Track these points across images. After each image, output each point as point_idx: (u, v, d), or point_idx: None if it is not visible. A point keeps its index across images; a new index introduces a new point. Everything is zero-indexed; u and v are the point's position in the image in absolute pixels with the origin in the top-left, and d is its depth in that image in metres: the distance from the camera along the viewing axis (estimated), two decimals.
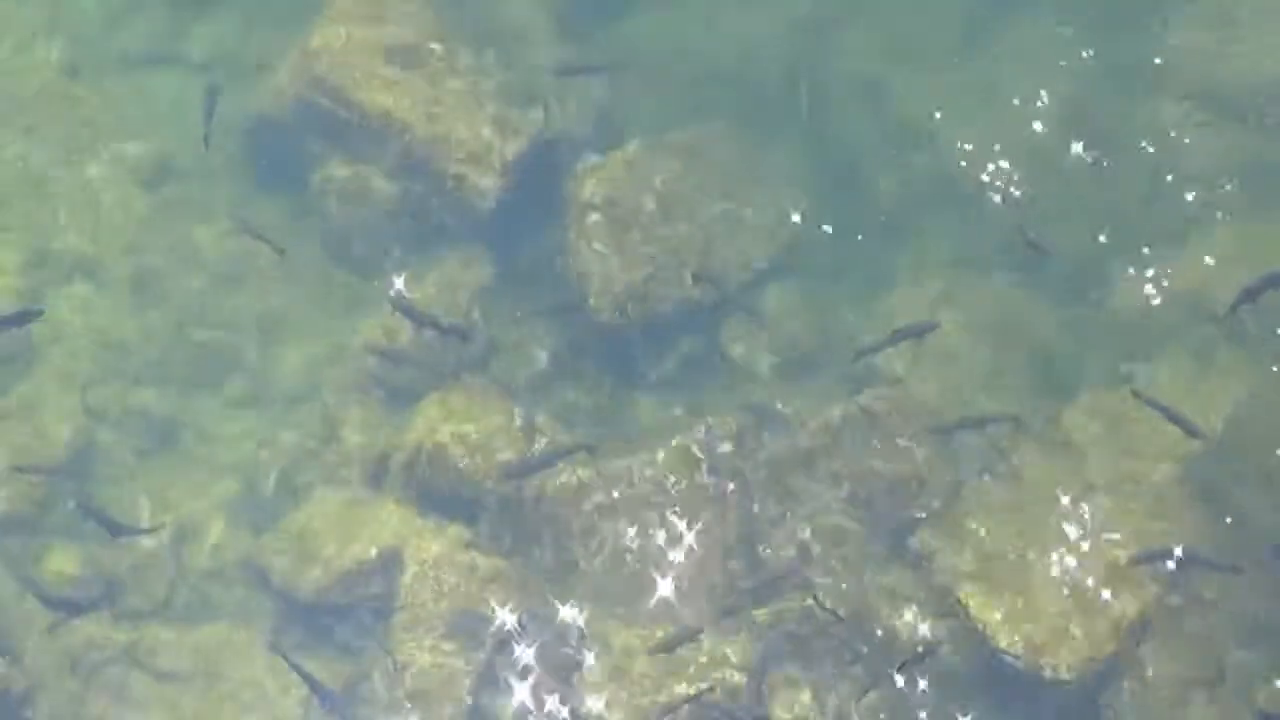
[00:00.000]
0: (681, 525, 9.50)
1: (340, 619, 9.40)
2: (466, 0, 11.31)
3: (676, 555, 9.40)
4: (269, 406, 10.25)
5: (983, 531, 9.33)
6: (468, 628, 9.10)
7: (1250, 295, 8.80)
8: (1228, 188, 10.59)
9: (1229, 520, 9.17)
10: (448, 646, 9.10)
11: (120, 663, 9.36)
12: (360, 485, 9.89)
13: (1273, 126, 10.89)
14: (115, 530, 9.14)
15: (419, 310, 9.70)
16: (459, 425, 9.75)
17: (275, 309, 10.55)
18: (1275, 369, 9.75)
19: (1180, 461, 9.40)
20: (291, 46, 10.92)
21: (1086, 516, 9.28)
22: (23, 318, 9.20)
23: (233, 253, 10.56)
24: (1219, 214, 10.52)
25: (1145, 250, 10.39)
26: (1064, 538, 9.26)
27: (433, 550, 9.34)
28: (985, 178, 10.83)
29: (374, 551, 9.42)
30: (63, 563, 9.43)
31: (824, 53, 11.39)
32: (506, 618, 9.13)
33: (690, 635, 8.84)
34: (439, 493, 9.74)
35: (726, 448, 9.76)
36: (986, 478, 9.70)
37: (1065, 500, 9.43)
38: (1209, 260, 10.28)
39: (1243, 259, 10.10)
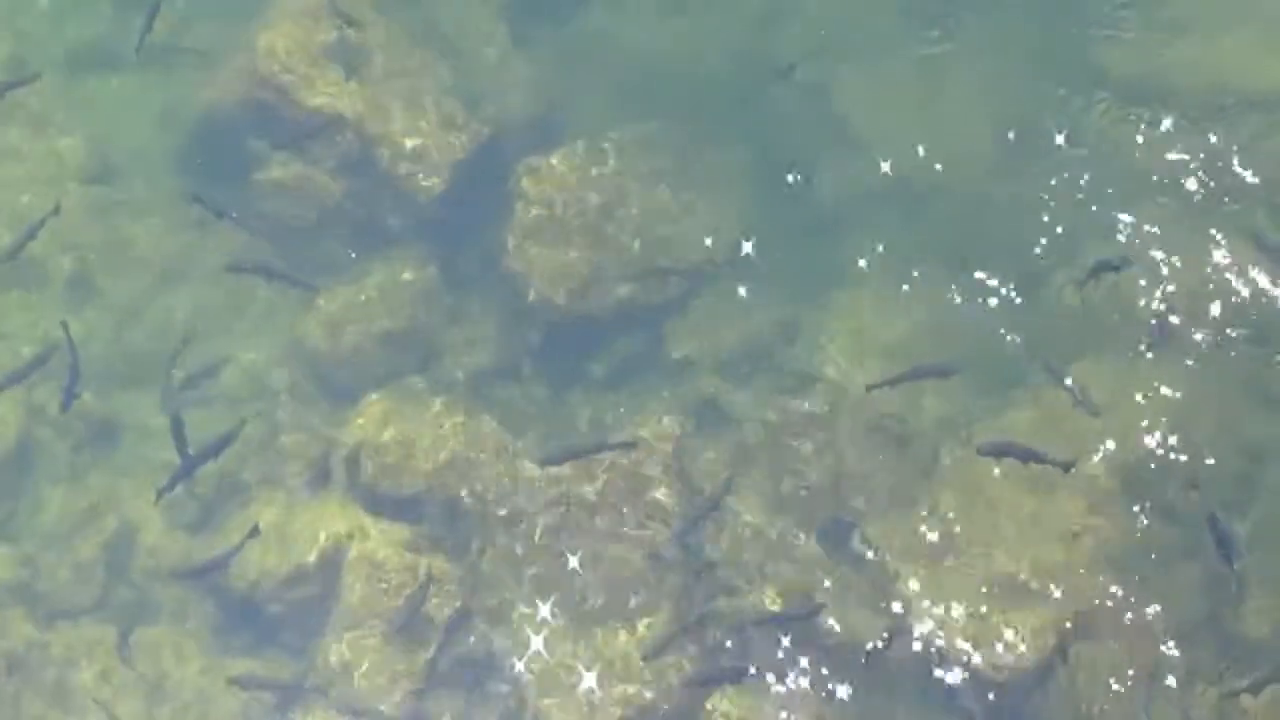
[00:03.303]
0: (622, 522, 9.21)
1: (281, 618, 9.13)
2: (413, 1, 11.18)
3: (616, 552, 9.10)
4: (209, 405, 9.89)
5: (922, 528, 9.10)
6: (409, 626, 8.88)
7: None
8: (1165, 185, 10.31)
9: (1158, 515, 9.06)
10: (389, 645, 8.89)
11: (56, 664, 9.03)
12: (301, 485, 9.65)
13: (1211, 127, 10.52)
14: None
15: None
16: (398, 425, 9.50)
17: (215, 307, 10.33)
18: (1201, 369, 9.51)
19: (1113, 460, 9.20)
20: (236, 45, 10.73)
21: (1023, 512, 9.03)
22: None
23: (170, 251, 10.28)
24: (1155, 214, 10.15)
25: (1084, 248, 10.03)
26: (1000, 533, 9.02)
27: (373, 549, 9.09)
28: (925, 176, 10.64)
29: (315, 551, 9.15)
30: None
31: (768, 53, 11.13)
32: (447, 615, 8.92)
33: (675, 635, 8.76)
34: (379, 492, 9.52)
35: (666, 447, 9.42)
36: (928, 473, 9.46)
37: (1001, 497, 9.15)
38: (1147, 259, 9.98)
39: (1181, 259, 9.90)
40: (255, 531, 8.83)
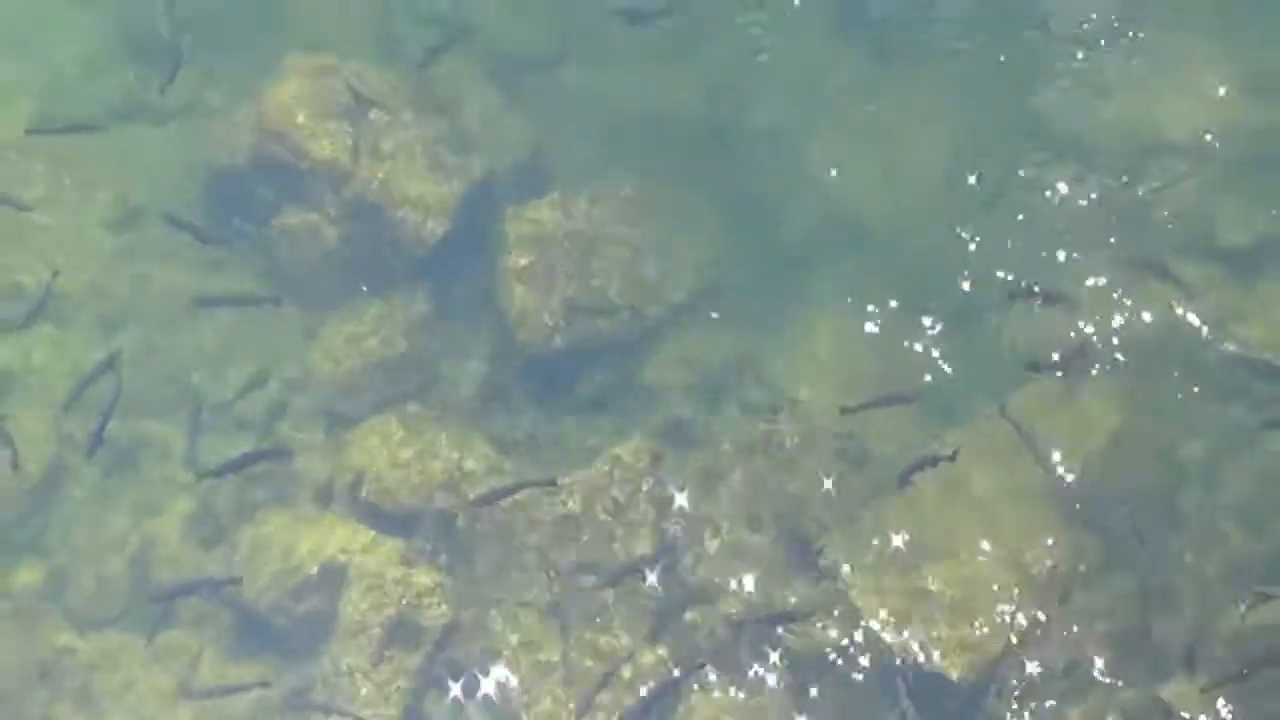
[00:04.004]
0: (603, 540, 9.52)
1: (288, 627, 9.50)
2: (408, 59, 11.38)
3: (600, 564, 9.43)
4: (223, 432, 10.22)
5: (879, 543, 9.41)
6: (406, 636, 9.26)
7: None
8: (1098, 232, 10.62)
9: (1099, 537, 9.36)
10: (387, 653, 9.27)
11: (83, 670, 9.41)
12: (308, 503, 9.97)
13: (1137, 178, 10.89)
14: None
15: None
16: (395, 447, 9.87)
17: (230, 342, 10.58)
18: (1128, 397, 9.83)
19: (1055, 485, 9.50)
20: (249, 101, 11.04)
21: (972, 531, 9.36)
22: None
23: (190, 290, 10.56)
24: (1091, 257, 10.48)
25: (1027, 288, 10.24)
26: (952, 551, 9.32)
27: (373, 564, 9.45)
28: (879, 218, 10.94)
29: (318, 565, 9.50)
30: (29, 575, 9.58)
31: (737, 109, 11.48)
32: (442, 626, 9.29)
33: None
34: (380, 511, 9.81)
35: (646, 466, 9.74)
36: (886, 492, 9.67)
37: (953, 517, 9.47)
38: (1084, 298, 10.30)
39: (1112, 299, 10.28)
40: (237, 580, 9.34)
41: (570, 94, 11.70)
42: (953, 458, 9.20)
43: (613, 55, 11.72)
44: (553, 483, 9.45)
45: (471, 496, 9.56)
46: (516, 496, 9.52)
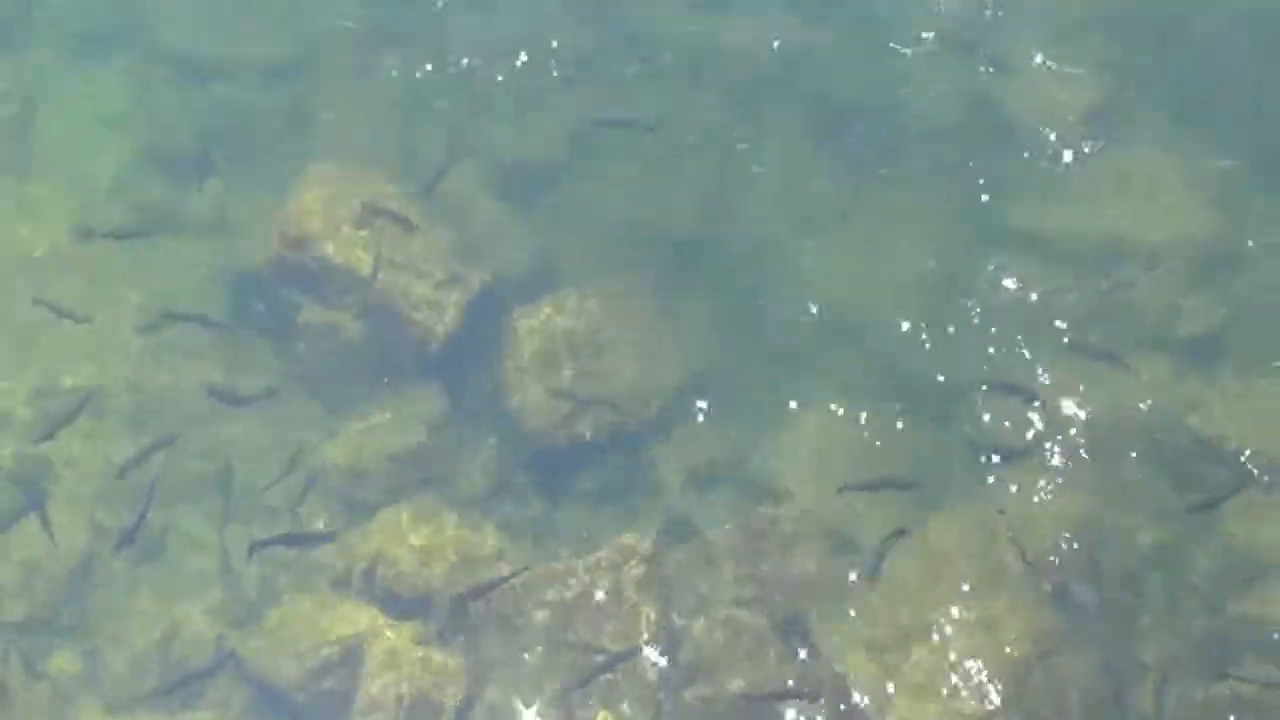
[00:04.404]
0: (607, 621, 9.63)
1: (310, 706, 9.66)
2: (422, 171, 11.55)
3: (605, 646, 9.53)
4: (250, 520, 10.29)
5: (866, 624, 9.63)
6: (424, 714, 9.41)
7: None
8: (1065, 327, 10.92)
9: (1075, 616, 9.63)
10: None
11: None
12: (328, 588, 10.06)
13: (1101, 278, 11.23)
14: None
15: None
16: (410, 535, 10.04)
17: (255, 435, 10.69)
18: (1097, 480, 10.16)
19: (1033, 561, 9.72)
20: (274, 210, 11.22)
21: (951, 610, 9.58)
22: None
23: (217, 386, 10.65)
24: (1057, 350, 10.77)
25: (997, 381, 10.58)
26: (933, 630, 9.51)
27: (390, 645, 9.60)
28: (861, 317, 11.13)
29: (338, 646, 9.64)
30: (65, 659, 9.75)
31: (730, 216, 11.73)
32: (455, 704, 9.43)
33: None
34: (396, 595, 9.89)
35: (646, 551, 9.87)
36: (871, 577, 9.85)
37: (935, 597, 9.67)
38: (1052, 390, 10.56)
39: (1078, 390, 10.57)
40: (233, 657, 9.63)
41: (572, 203, 11.82)
42: (903, 533, 9.72)
43: (611, 167, 11.95)
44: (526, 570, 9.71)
45: (463, 590, 9.76)
46: (522, 579, 9.71)
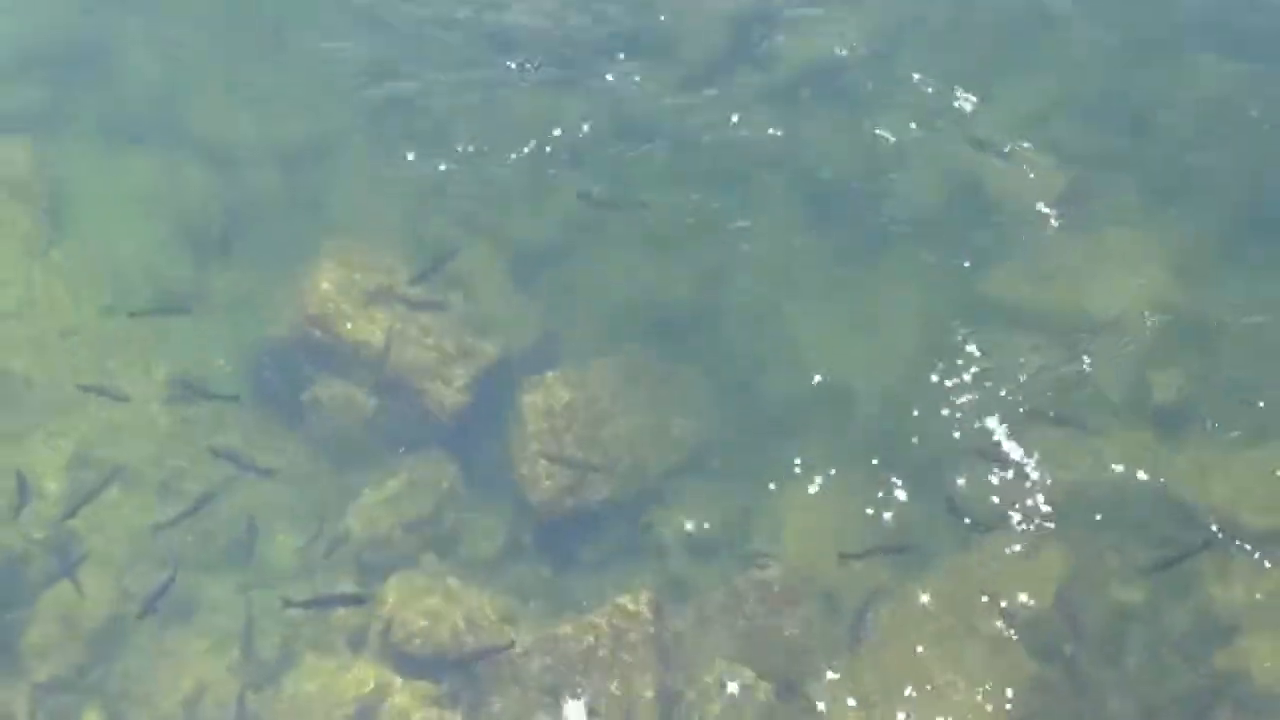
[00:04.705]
0: (609, 681, 9.87)
1: None
2: (432, 252, 11.68)
3: (606, 707, 9.81)
4: (267, 583, 10.55)
5: (854, 683, 9.87)
6: None
7: None
8: (1044, 396, 10.99)
9: (1057, 673, 9.82)
10: None
11: None
12: (344, 649, 10.30)
13: (1077, 349, 11.33)
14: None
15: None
16: (422, 599, 10.29)
17: (275, 503, 10.93)
18: (1074, 546, 10.33)
19: (1015, 621, 9.96)
20: (292, 288, 11.52)
21: (941, 670, 9.82)
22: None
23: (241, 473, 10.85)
24: (1037, 418, 10.85)
25: (980, 449, 10.74)
26: (924, 688, 9.78)
27: (403, 704, 9.86)
28: (850, 387, 11.28)
29: (354, 706, 9.90)
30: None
31: (725, 293, 11.87)
32: None
33: None
34: (408, 656, 10.12)
35: (646, 613, 10.06)
36: (863, 634, 10.08)
37: (924, 657, 9.91)
38: (1027, 463, 10.67)
39: (1051, 455, 10.75)
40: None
41: (576, 280, 12.00)
42: (879, 595, 10.03)
43: (611, 246, 12.12)
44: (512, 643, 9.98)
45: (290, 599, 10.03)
46: (527, 641, 10.00)
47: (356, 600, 10.26)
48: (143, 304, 11.35)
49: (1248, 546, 10.31)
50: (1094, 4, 13.64)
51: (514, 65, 13.24)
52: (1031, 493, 10.66)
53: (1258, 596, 10.04)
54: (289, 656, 10.36)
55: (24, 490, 10.27)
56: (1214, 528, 10.38)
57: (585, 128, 12.93)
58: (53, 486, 10.77)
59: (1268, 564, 10.17)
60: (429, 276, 11.47)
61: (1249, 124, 12.60)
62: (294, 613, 10.23)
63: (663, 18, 13.69)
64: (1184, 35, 13.29)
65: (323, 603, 10.22)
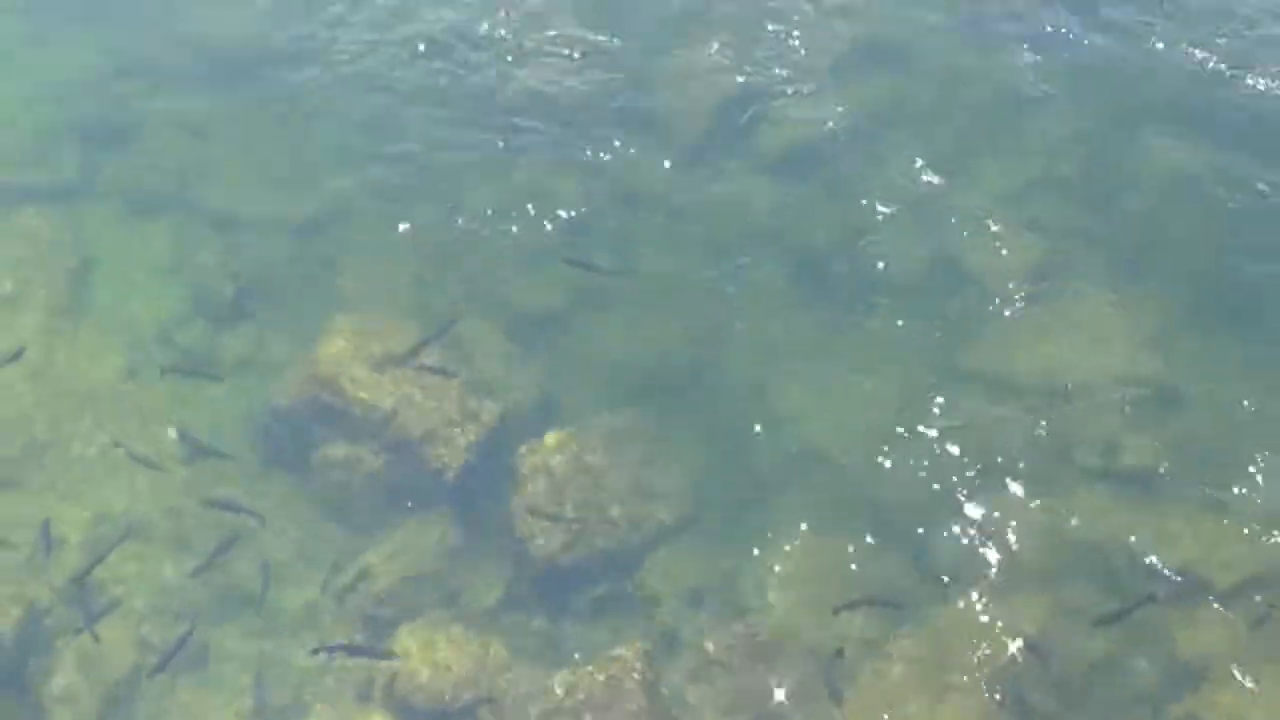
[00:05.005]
0: None
1: None
2: (435, 319, 12.06)
3: None
4: (277, 635, 10.81)
5: None
6: None
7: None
8: (1020, 458, 11.33)
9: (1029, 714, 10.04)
10: None
11: None
12: (352, 700, 10.45)
13: (1052, 405, 11.70)
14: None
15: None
16: (427, 650, 10.48)
17: (284, 558, 11.18)
18: (1048, 600, 10.58)
19: (988, 673, 10.20)
20: (303, 353, 11.86)
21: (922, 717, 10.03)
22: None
23: (254, 507, 11.18)
24: (1013, 479, 11.23)
25: (955, 510, 11.05)
26: None
27: None
28: (835, 449, 11.54)
29: None
30: None
31: (715, 358, 12.18)
32: None
33: None
34: (413, 706, 10.29)
35: (639, 663, 10.26)
36: (845, 686, 10.26)
37: (903, 703, 10.12)
38: (1001, 523, 11.04)
39: (1027, 520, 11.04)
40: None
41: (573, 344, 12.28)
42: (840, 654, 10.30)
43: (609, 312, 12.48)
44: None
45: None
46: (524, 691, 10.24)
47: (384, 655, 10.50)
48: (174, 363, 11.82)
49: (1214, 602, 10.68)
50: (1066, 87, 14.24)
51: (502, 144, 13.86)
52: (1005, 551, 10.95)
53: (1221, 649, 10.39)
54: (300, 707, 10.53)
55: (47, 541, 10.64)
56: (1179, 581, 10.78)
57: (583, 199, 13.37)
58: (73, 539, 11.09)
59: (1231, 616, 10.56)
60: (432, 343, 11.86)
61: (1210, 201, 13.12)
62: (307, 662, 10.59)
63: (658, 98, 14.31)
64: (1149, 117, 13.85)
65: (351, 651, 10.50)
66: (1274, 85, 13.96)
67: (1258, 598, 10.59)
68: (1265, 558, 10.78)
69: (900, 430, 11.62)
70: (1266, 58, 14.16)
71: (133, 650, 10.68)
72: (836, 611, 10.37)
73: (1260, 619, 10.44)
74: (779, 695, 10.40)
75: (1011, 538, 11.03)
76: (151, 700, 10.54)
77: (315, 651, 10.36)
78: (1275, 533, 10.90)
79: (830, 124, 13.85)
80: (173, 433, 11.71)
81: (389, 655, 10.48)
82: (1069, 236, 12.86)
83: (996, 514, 11.16)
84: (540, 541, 11.19)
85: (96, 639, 10.40)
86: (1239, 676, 10.20)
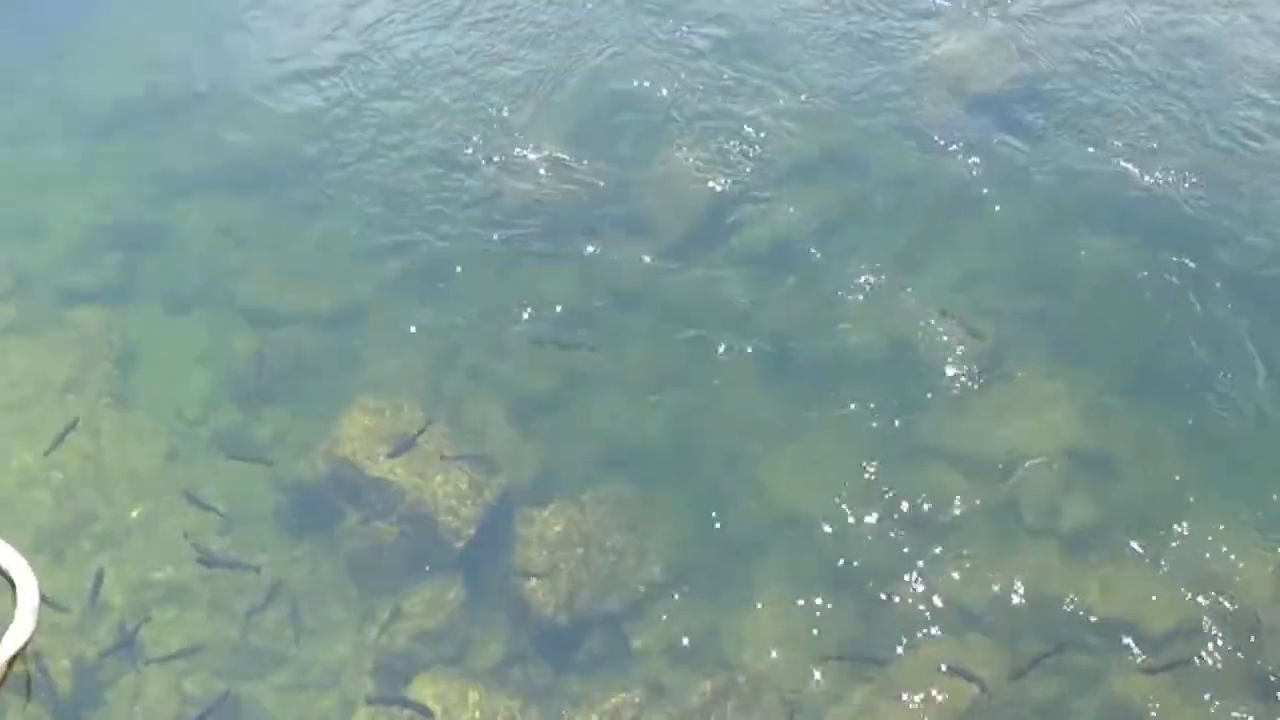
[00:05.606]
0: None
1: None
2: (447, 402, 12.92)
3: None
4: (306, 690, 11.45)
5: None
6: None
7: None
8: (972, 523, 12.06)
9: None
10: None
11: None
12: None
13: (999, 474, 12.40)
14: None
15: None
16: (436, 703, 11.11)
17: (310, 621, 11.81)
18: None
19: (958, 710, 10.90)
20: (325, 433, 12.56)
21: None
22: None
23: (279, 576, 11.92)
24: (966, 541, 11.97)
25: (911, 570, 11.73)
26: None
27: None
28: (808, 519, 12.14)
29: None
30: None
31: (696, 434, 12.80)
32: None
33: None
34: None
35: (631, 713, 11.01)
36: None
37: None
38: (951, 578, 11.73)
39: (978, 577, 11.72)
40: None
41: (569, 425, 12.89)
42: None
43: (600, 394, 13.10)
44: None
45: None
46: None
47: (427, 713, 11.12)
48: (233, 451, 12.67)
49: (1142, 650, 11.52)
50: (1010, 187, 15.23)
51: (500, 244, 14.69)
52: (959, 605, 11.68)
53: (1148, 692, 11.26)
54: None
55: (97, 587, 11.49)
56: (1112, 630, 11.67)
57: (576, 292, 14.10)
58: (117, 602, 11.93)
59: (1157, 663, 11.33)
60: (412, 444, 12.58)
61: (1138, 287, 14.05)
62: (338, 715, 11.44)
63: (642, 202, 15.22)
64: (1079, 214, 14.81)
65: (401, 703, 11.18)
66: (1183, 184, 15.00)
67: (1181, 646, 11.37)
68: (1188, 610, 11.58)
69: (863, 498, 12.24)
70: (1171, 162, 15.24)
71: (175, 703, 11.36)
72: (825, 660, 11.17)
73: (1182, 665, 11.27)
74: None
75: (964, 593, 11.71)
76: None
77: (369, 703, 11.09)
78: (1197, 587, 11.72)
79: (801, 223, 14.68)
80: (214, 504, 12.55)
81: (430, 714, 11.17)
82: (1012, 322, 13.56)
83: (953, 574, 11.83)
84: (541, 601, 11.79)
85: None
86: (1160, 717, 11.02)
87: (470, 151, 15.75)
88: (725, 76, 16.59)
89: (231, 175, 15.59)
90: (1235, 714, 11.05)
